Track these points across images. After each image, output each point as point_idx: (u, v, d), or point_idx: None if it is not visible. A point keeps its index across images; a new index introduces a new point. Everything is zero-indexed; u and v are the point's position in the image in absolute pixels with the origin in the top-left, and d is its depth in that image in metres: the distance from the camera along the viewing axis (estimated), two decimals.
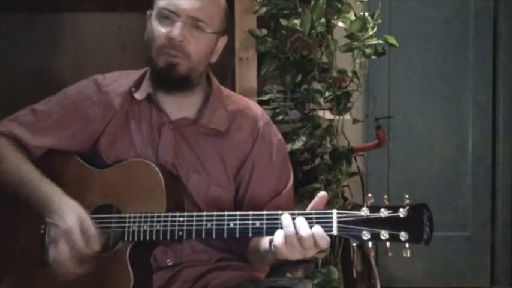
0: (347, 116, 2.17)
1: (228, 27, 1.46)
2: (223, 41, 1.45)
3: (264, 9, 2.05)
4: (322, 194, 1.23)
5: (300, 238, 1.17)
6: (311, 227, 1.18)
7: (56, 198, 1.30)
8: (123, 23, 2.45)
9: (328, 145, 2.13)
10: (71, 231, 1.24)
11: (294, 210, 1.22)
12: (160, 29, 1.35)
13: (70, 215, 1.26)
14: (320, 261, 2.11)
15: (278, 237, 1.18)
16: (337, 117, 2.14)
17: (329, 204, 1.96)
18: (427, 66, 3.24)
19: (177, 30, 1.33)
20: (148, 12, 1.42)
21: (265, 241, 1.29)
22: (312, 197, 2.09)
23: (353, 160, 2.20)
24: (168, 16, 1.35)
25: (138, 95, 1.44)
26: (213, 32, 1.38)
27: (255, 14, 2.09)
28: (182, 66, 1.36)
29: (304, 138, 2.04)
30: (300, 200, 2.10)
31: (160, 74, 1.38)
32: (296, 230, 1.17)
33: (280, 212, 1.21)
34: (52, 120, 1.44)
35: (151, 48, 1.37)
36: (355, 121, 2.22)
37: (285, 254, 1.19)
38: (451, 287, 3.26)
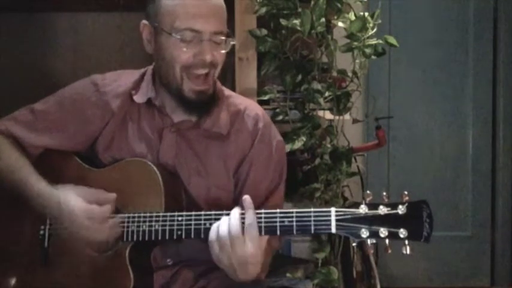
0: (347, 116, 2.17)
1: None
2: None
3: (264, 9, 2.04)
4: (244, 197, 1.22)
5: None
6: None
7: (54, 196, 1.31)
8: (123, 23, 2.45)
9: (328, 145, 2.13)
10: (79, 206, 1.26)
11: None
12: (183, 50, 1.31)
13: (68, 197, 1.28)
14: (320, 261, 2.11)
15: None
16: (337, 117, 2.14)
17: (329, 204, 1.97)
18: (427, 66, 3.23)
19: (208, 51, 1.31)
20: (146, 23, 1.38)
21: None
22: (312, 197, 2.09)
23: (353, 160, 2.20)
24: (189, 36, 1.31)
25: (138, 98, 1.43)
26: (227, 40, 1.37)
27: (255, 14, 2.09)
28: (210, 89, 1.37)
29: (304, 138, 2.04)
30: (300, 200, 2.10)
31: (191, 102, 1.36)
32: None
33: (278, 210, 1.21)
34: (50, 120, 1.44)
35: (173, 69, 1.33)
36: (355, 121, 2.22)
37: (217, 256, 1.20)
38: (451, 287, 3.25)
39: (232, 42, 1.37)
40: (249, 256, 1.18)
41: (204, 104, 1.38)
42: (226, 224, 1.19)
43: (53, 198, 1.30)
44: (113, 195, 1.30)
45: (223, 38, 1.35)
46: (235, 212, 1.20)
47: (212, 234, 1.20)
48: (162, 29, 1.33)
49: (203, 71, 1.33)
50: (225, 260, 1.19)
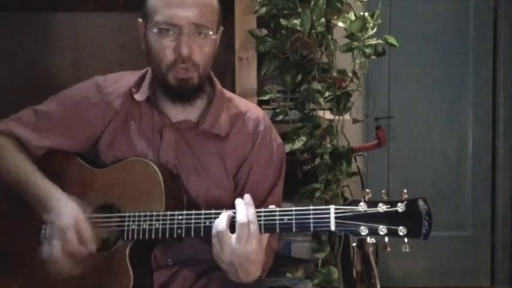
0: (347, 116, 2.17)
1: (224, 21, 1.44)
2: (220, 33, 1.43)
3: (264, 9, 2.04)
4: (245, 195, 1.23)
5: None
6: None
7: (56, 197, 1.30)
8: (123, 23, 2.45)
9: (328, 145, 2.13)
10: (66, 229, 1.24)
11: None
12: (164, 45, 1.32)
13: (67, 214, 1.26)
14: (320, 261, 2.11)
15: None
16: (337, 117, 2.14)
17: (329, 204, 1.97)
18: (427, 66, 3.24)
19: (184, 44, 1.31)
20: (140, 21, 1.40)
21: None
22: (312, 197, 2.09)
23: (353, 160, 2.20)
24: (169, 29, 1.32)
25: (138, 96, 1.44)
26: (214, 34, 1.38)
27: (255, 14, 2.09)
28: (194, 79, 1.35)
29: (304, 138, 2.04)
30: (300, 200, 2.10)
31: (174, 89, 1.36)
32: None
33: (278, 208, 1.21)
34: (52, 121, 1.44)
35: (159, 64, 1.35)
36: (355, 121, 2.22)
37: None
38: (451, 287, 3.26)
39: (213, 36, 1.36)
40: (250, 253, 1.17)
41: (187, 92, 1.38)
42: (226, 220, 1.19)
43: (56, 205, 1.29)
44: (94, 248, 1.26)
45: (206, 31, 1.34)
46: (239, 205, 1.20)
47: (214, 230, 1.20)
48: (147, 24, 1.36)
49: (183, 66, 1.33)
50: (226, 257, 1.18)
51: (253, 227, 1.18)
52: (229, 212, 1.21)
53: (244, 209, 1.19)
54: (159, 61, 1.34)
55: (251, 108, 1.50)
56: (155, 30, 1.33)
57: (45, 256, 1.26)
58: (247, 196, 1.22)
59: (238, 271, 1.20)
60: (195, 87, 1.37)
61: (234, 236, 1.18)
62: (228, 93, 1.51)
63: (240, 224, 1.18)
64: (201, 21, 1.33)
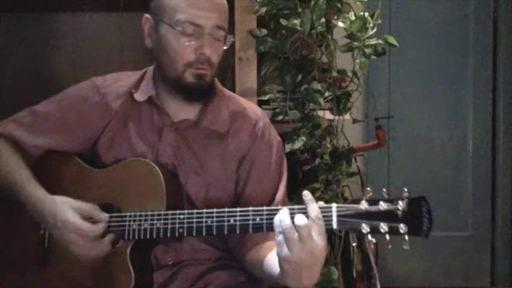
0: (347, 116, 2.17)
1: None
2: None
3: (264, 9, 2.05)
4: (305, 192, 1.17)
5: (297, 227, 1.10)
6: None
7: (44, 200, 1.30)
8: (123, 23, 2.45)
9: (328, 145, 2.13)
10: (73, 221, 1.25)
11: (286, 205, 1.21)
12: (184, 44, 1.33)
13: (64, 210, 1.27)
14: None
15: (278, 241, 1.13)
16: (337, 117, 2.14)
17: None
18: (427, 66, 3.24)
19: (207, 46, 1.33)
20: (148, 17, 1.40)
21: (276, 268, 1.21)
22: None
23: (353, 160, 2.20)
24: (189, 29, 1.33)
25: (138, 97, 1.44)
26: (227, 36, 1.39)
27: (255, 14, 2.09)
28: (208, 76, 1.37)
29: (304, 138, 2.04)
30: (300, 200, 2.10)
31: (191, 87, 1.37)
32: (292, 221, 1.11)
33: (279, 207, 1.21)
34: (50, 122, 1.44)
35: (175, 62, 1.35)
36: (355, 121, 2.22)
37: (284, 259, 1.12)
38: (451, 287, 3.26)
39: (231, 39, 1.39)
40: (320, 249, 1.12)
41: (202, 91, 1.39)
42: (288, 216, 1.13)
43: (49, 209, 1.29)
44: (106, 216, 1.29)
45: (223, 33, 1.37)
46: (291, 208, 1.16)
47: (278, 228, 1.13)
48: (164, 21, 1.35)
49: (202, 67, 1.35)
50: (295, 257, 1.11)
51: (321, 223, 1.13)
52: (286, 208, 1.16)
53: (315, 204, 1.15)
54: (176, 59, 1.35)
55: (250, 106, 1.51)
56: (178, 28, 1.33)
57: (88, 254, 1.27)
58: (306, 193, 1.17)
59: (303, 274, 1.14)
60: (207, 85, 1.39)
61: (304, 232, 1.10)
62: (227, 92, 1.52)
63: (314, 218, 1.12)
64: (221, 24, 1.36)
